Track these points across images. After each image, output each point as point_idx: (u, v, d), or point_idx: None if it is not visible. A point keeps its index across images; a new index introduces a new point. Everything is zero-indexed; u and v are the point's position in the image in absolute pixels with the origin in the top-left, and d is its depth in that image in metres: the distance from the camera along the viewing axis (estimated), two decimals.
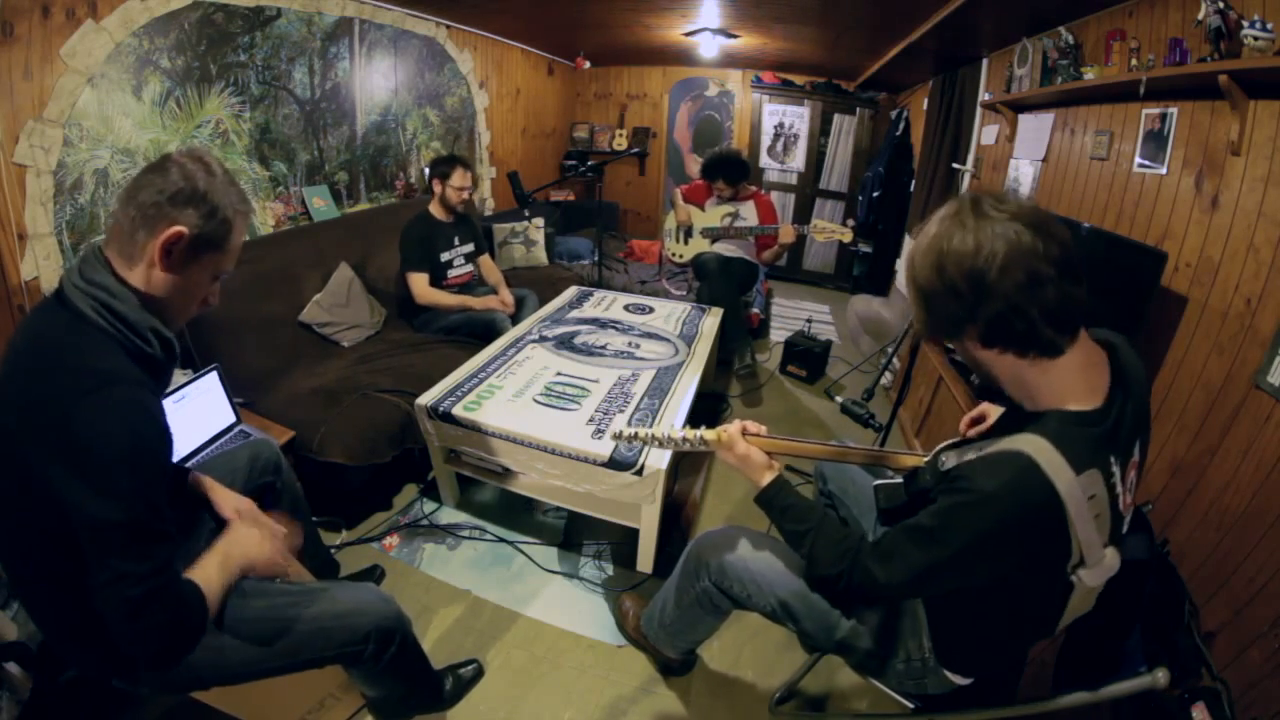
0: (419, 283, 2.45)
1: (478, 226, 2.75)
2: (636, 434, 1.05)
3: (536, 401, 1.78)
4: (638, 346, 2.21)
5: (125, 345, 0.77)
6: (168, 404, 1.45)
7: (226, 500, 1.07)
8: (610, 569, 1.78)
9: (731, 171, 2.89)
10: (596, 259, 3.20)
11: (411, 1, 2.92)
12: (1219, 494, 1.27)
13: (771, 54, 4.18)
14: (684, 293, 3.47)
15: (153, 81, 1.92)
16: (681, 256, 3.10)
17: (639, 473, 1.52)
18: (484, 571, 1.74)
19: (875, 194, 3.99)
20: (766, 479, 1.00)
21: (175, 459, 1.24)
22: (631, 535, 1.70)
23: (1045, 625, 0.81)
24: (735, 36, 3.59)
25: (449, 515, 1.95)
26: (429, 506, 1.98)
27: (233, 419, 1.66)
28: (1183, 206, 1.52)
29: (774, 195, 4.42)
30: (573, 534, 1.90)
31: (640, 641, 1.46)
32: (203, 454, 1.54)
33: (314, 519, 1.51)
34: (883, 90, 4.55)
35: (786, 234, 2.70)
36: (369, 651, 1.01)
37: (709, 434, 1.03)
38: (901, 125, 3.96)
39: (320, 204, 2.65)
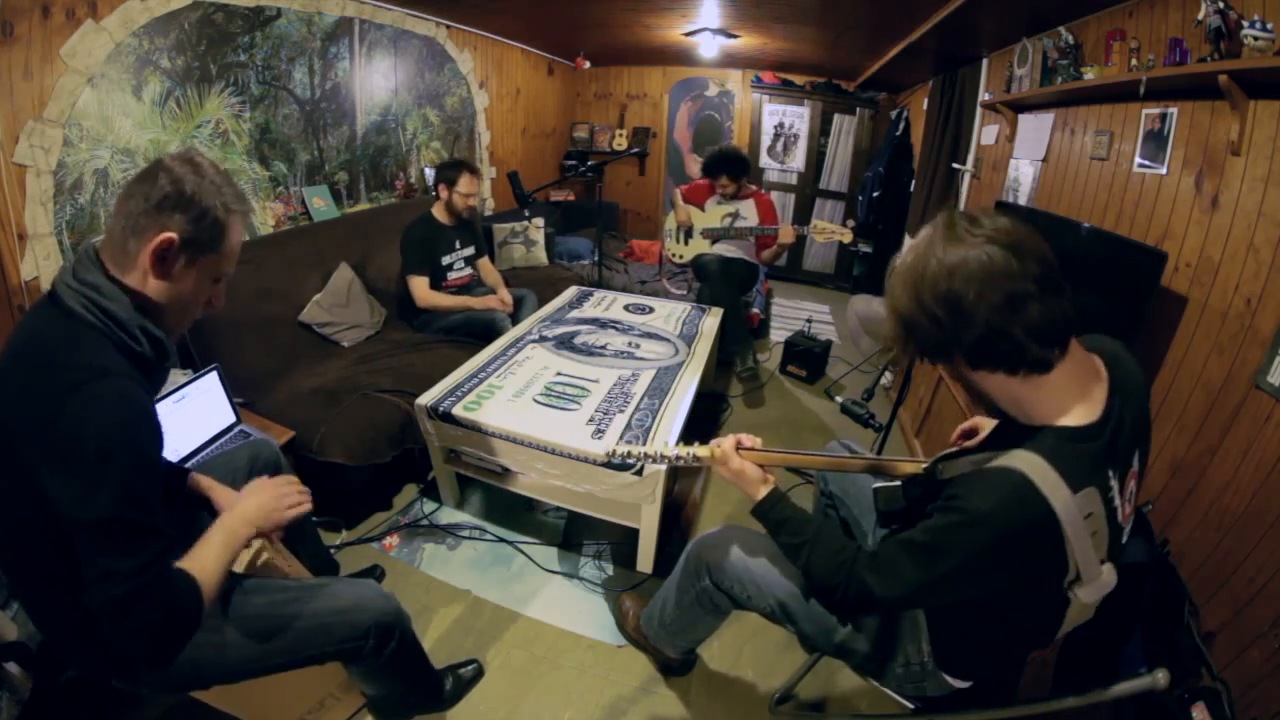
0: (419, 286, 2.45)
1: (479, 229, 2.75)
2: (630, 451, 1.06)
3: (536, 401, 1.78)
4: (638, 346, 2.21)
5: (115, 342, 0.77)
6: (168, 404, 1.46)
7: (226, 500, 1.07)
8: (610, 569, 1.78)
9: (734, 167, 2.89)
10: (596, 259, 3.20)
11: (411, 1, 2.92)
12: (1219, 494, 1.27)
13: (771, 54, 4.18)
14: (684, 293, 3.47)
15: (153, 81, 1.92)
16: (681, 257, 3.10)
17: (639, 473, 1.52)
18: (484, 571, 1.74)
19: (875, 194, 3.99)
20: (762, 493, 1.00)
21: (175, 459, 1.25)
22: (631, 535, 1.70)
23: (1043, 634, 0.81)
24: (735, 36, 3.59)
25: (449, 515, 1.95)
26: (429, 506, 1.98)
27: (233, 419, 1.66)
28: (1183, 206, 1.52)
29: (774, 195, 4.41)
30: (573, 534, 1.90)
31: (640, 641, 1.46)
32: (203, 454, 1.54)
33: (314, 519, 1.51)
34: (883, 90, 4.55)
35: (786, 234, 2.70)
36: (369, 647, 1.01)
37: (702, 450, 1.03)
38: (901, 125, 3.96)
39: (320, 204, 2.65)
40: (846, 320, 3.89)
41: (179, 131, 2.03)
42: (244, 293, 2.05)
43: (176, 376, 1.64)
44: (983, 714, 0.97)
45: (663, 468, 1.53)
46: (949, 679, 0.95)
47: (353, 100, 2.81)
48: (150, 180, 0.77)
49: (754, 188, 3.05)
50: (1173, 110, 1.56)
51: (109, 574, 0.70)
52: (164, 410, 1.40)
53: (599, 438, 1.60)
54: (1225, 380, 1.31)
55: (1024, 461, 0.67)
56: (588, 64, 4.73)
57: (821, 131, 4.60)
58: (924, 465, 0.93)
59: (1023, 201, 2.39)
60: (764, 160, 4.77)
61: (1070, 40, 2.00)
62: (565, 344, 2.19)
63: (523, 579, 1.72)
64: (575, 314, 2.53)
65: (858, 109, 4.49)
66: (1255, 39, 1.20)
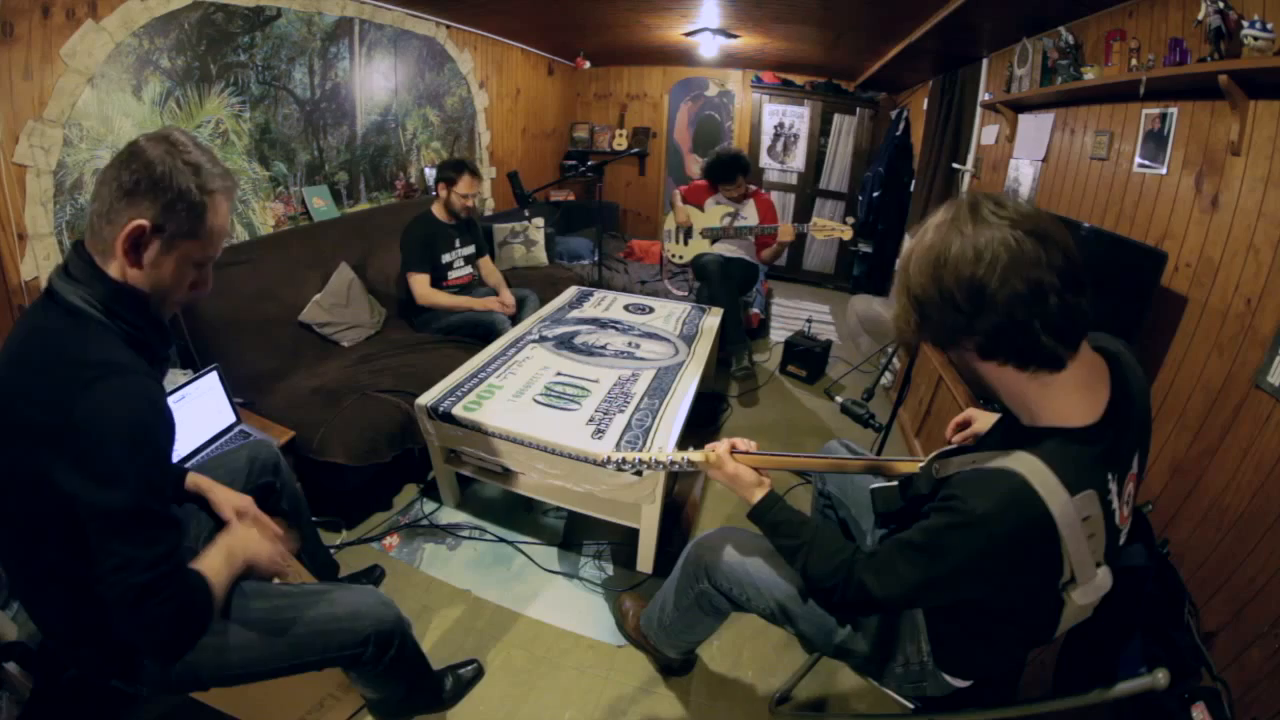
0: (420, 283, 2.45)
1: (479, 229, 2.75)
2: (625, 458, 1.07)
3: (536, 401, 1.78)
4: (638, 346, 2.21)
5: (121, 335, 0.77)
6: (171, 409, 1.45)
7: (226, 499, 1.07)
8: (610, 569, 1.78)
9: (738, 168, 2.89)
10: (596, 259, 3.20)
11: (411, 1, 2.92)
12: (1219, 494, 1.27)
13: (771, 54, 4.18)
14: (684, 293, 3.47)
15: (153, 81, 1.92)
16: (681, 258, 3.10)
17: (638, 473, 1.52)
18: (484, 571, 1.74)
19: (875, 194, 3.99)
20: (757, 496, 1.00)
21: (175, 459, 1.24)
22: (631, 535, 1.70)
23: (1042, 634, 0.81)
24: (735, 36, 3.59)
25: (449, 515, 1.95)
26: (429, 506, 1.98)
27: (233, 419, 1.66)
28: (1183, 206, 1.52)
29: (774, 195, 4.41)
30: (573, 534, 1.89)
31: (640, 641, 1.46)
32: (203, 454, 1.54)
33: (314, 519, 1.51)
34: (883, 90, 4.55)
35: (785, 233, 2.70)
36: (368, 654, 1.01)
37: (696, 455, 1.04)
38: (901, 125, 3.96)
39: (320, 204, 2.65)
40: (846, 320, 3.90)
41: None
42: (244, 293, 2.05)
43: (176, 376, 1.64)
44: (983, 714, 0.97)
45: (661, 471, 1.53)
46: (948, 679, 0.94)
47: (353, 100, 2.81)
48: (124, 165, 0.74)
49: (754, 187, 3.06)
50: (1173, 110, 1.56)
51: (129, 562, 0.71)
52: (165, 395, 1.41)
53: (599, 438, 1.60)
54: (1225, 380, 1.31)
55: (1023, 464, 0.67)
56: (588, 64, 4.73)
57: (821, 131, 4.60)
58: (920, 465, 0.93)
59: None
60: (764, 160, 4.77)
61: (1070, 40, 2.00)
62: (565, 344, 2.19)
63: (523, 579, 1.72)
64: (575, 314, 2.53)
65: (858, 109, 4.49)
66: (1255, 39, 1.20)
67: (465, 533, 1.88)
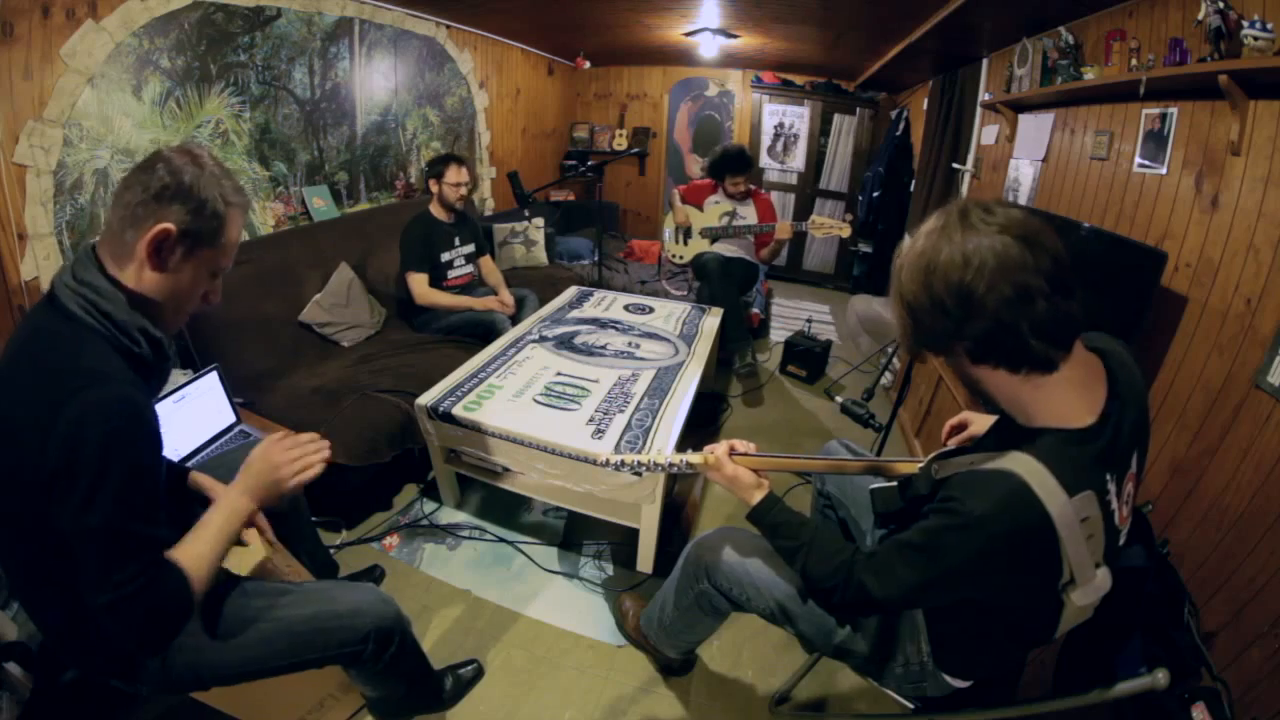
0: (419, 283, 2.45)
1: (478, 227, 2.75)
2: (624, 459, 1.07)
3: (536, 401, 1.78)
4: (638, 346, 2.21)
5: (115, 344, 0.76)
6: (168, 404, 1.46)
7: None
8: (610, 569, 1.77)
9: (742, 165, 2.90)
10: (596, 259, 3.20)
11: (411, 1, 2.92)
12: (1219, 494, 1.27)
13: (771, 54, 4.18)
14: (684, 293, 3.47)
15: (153, 81, 1.92)
16: (681, 258, 3.10)
17: (638, 473, 1.52)
18: (484, 571, 1.74)
19: (875, 194, 3.99)
20: (756, 498, 1.00)
21: (175, 459, 1.25)
22: (631, 535, 1.70)
23: (1042, 634, 0.81)
24: (735, 36, 3.59)
25: (449, 515, 1.95)
26: (429, 506, 1.98)
27: (233, 419, 1.66)
28: (1183, 206, 1.52)
29: (774, 195, 4.42)
30: (573, 534, 1.89)
31: (640, 641, 1.46)
32: (203, 454, 1.54)
33: (314, 519, 1.51)
34: (883, 90, 4.55)
35: (784, 230, 2.71)
36: (368, 652, 1.01)
37: (695, 457, 1.04)
38: (901, 125, 3.96)
39: (320, 204, 2.65)
40: (846, 320, 3.90)
41: (179, 131, 2.03)
42: (244, 293, 2.05)
43: (176, 376, 1.64)
44: (983, 714, 0.97)
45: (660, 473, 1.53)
46: (948, 679, 0.94)
47: (353, 100, 2.81)
48: (149, 171, 0.76)
49: (753, 187, 3.06)
50: (1173, 110, 1.56)
51: (102, 582, 0.71)
52: (164, 410, 1.41)
53: (599, 438, 1.60)
54: (1225, 380, 1.31)
55: (1021, 465, 0.67)
56: (588, 64, 4.73)
57: (821, 131, 4.60)
58: (919, 465, 0.93)
59: (1023, 201, 2.39)
60: (764, 160, 4.77)
61: (1070, 40, 2.00)
62: (565, 344, 2.19)
63: (523, 579, 1.72)
64: (575, 314, 2.53)
65: (858, 109, 4.49)
66: (1255, 39, 1.20)
67: (465, 533, 1.88)
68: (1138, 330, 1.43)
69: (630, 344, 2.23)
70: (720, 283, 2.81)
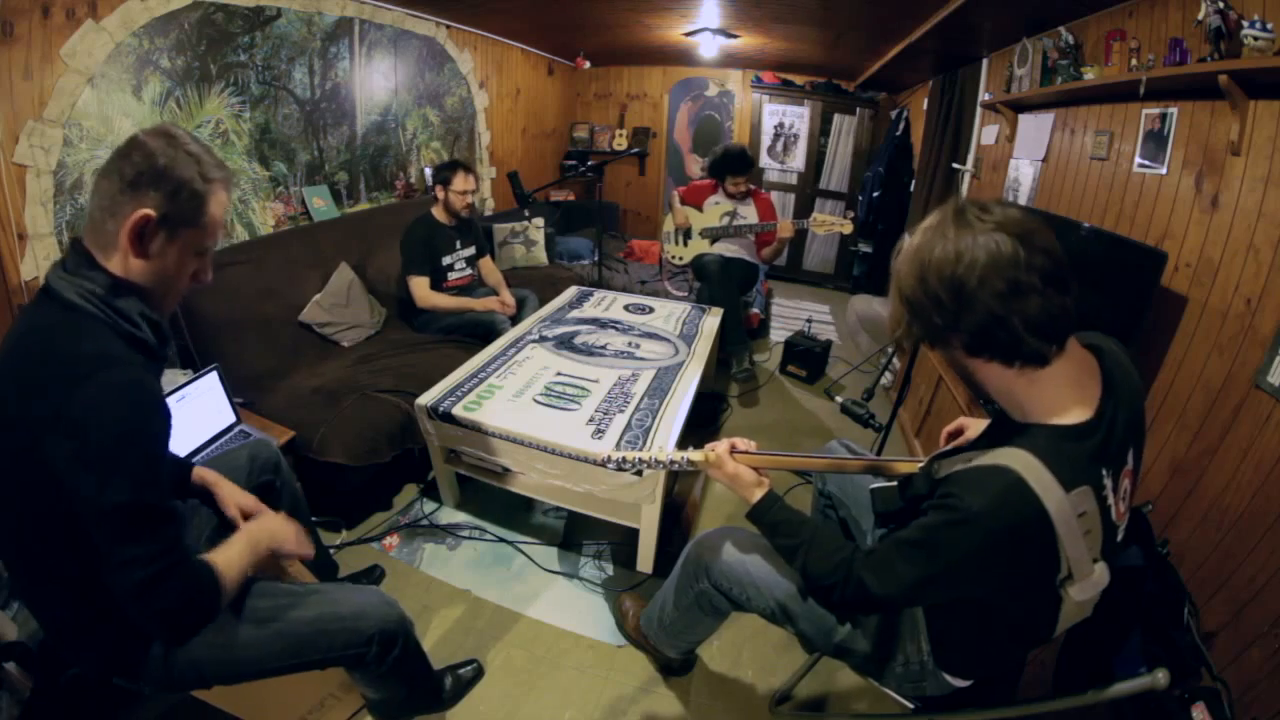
0: (420, 286, 2.45)
1: (479, 229, 2.75)
2: (625, 457, 1.07)
3: (536, 401, 1.78)
4: (638, 346, 2.21)
5: (116, 330, 0.77)
6: (168, 403, 1.45)
7: (231, 496, 1.08)
8: (610, 569, 1.78)
9: (744, 164, 2.90)
10: (596, 259, 3.20)
11: (411, 1, 2.92)
12: (1219, 494, 1.27)
13: (771, 54, 4.18)
14: (684, 293, 3.47)
15: (153, 81, 1.92)
16: (681, 259, 3.10)
17: (639, 473, 1.52)
18: (484, 571, 1.74)
19: (875, 194, 3.99)
20: (756, 496, 1.00)
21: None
22: (631, 535, 1.70)
23: (1041, 632, 0.81)
24: (735, 36, 3.59)
25: (449, 515, 1.95)
26: (429, 506, 1.98)
27: (233, 419, 1.66)
28: (1183, 206, 1.52)
29: (774, 195, 4.41)
30: (573, 534, 1.90)
31: (640, 641, 1.46)
32: (203, 454, 1.54)
33: (314, 519, 1.51)
34: (883, 90, 4.55)
35: (785, 229, 2.70)
36: (372, 654, 1.01)
37: (696, 455, 1.04)
38: (901, 125, 3.96)
39: (320, 204, 2.65)
40: (846, 320, 3.90)
41: None
42: (244, 293, 2.05)
43: (176, 376, 1.64)
44: (983, 714, 0.97)
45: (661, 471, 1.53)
46: (948, 678, 0.95)
47: (353, 100, 2.81)
48: (125, 157, 0.75)
49: (753, 187, 3.06)
50: (1173, 110, 1.56)
51: (132, 559, 0.72)
52: (162, 390, 1.41)
53: (599, 438, 1.60)
54: (1225, 380, 1.31)
55: (1017, 460, 0.68)
56: (588, 64, 4.72)
57: (821, 131, 4.59)
58: (919, 465, 0.93)
59: (1023, 201, 2.39)
60: (764, 160, 4.77)
61: (1070, 40, 2.00)
62: (565, 344, 2.19)
63: (523, 579, 1.72)
64: (575, 314, 2.53)
65: (858, 109, 4.49)
66: (1255, 39, 1.20)
67: (465, 533, 1.88)
68: (1138, 330, 1.43)
69: (630, 344, 2.23)
70: (720, 283, 2.80)
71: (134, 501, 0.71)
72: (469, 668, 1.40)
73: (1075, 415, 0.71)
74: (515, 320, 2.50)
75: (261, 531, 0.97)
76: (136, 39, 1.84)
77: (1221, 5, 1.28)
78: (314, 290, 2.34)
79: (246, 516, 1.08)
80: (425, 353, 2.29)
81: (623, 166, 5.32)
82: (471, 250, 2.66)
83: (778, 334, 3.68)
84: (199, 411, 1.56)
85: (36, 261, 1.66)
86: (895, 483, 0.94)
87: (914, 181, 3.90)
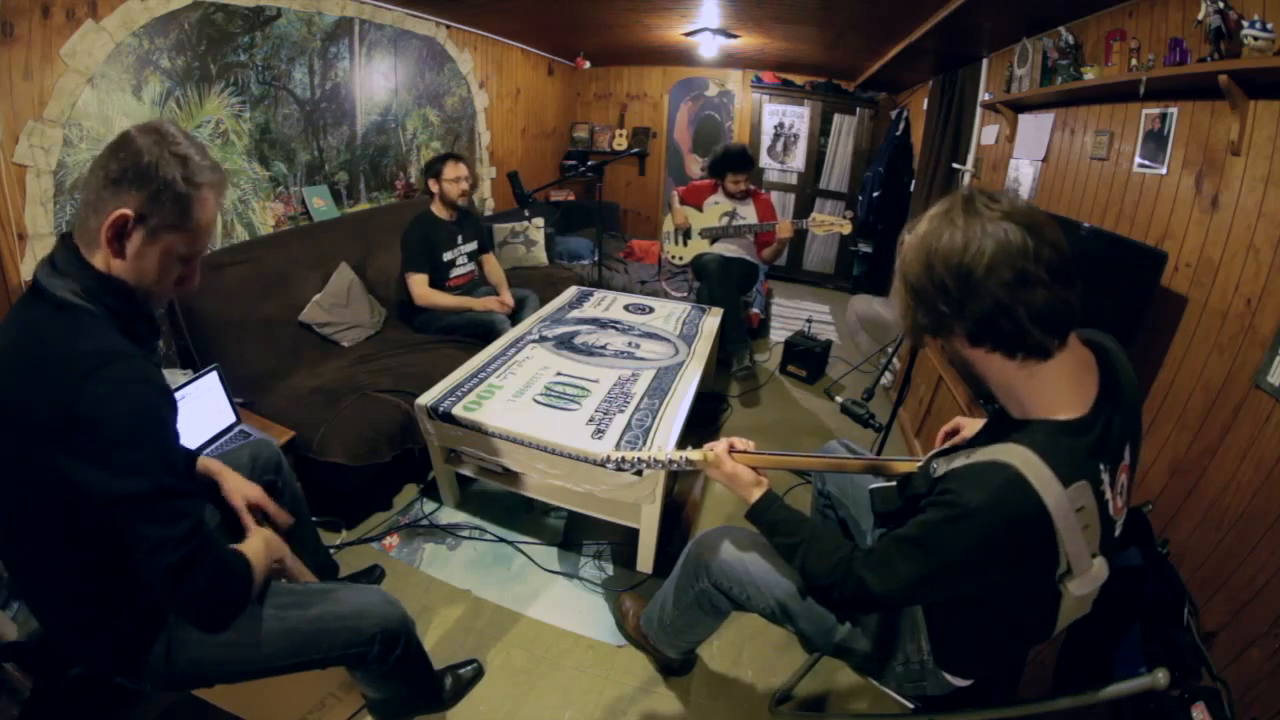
0: (419, 284, 2.45)
1: (481, 225, 2.75)
2: (625, 457, 1.08)
3: (536, 401, 1.78)
4: (638, 346, 2.21)
5: (113, 324, 0.77)
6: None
7: (236, 487, 1.08)
8: (610, 569, 1.78)
9: (744, 163, 2.90)
10: (596, 259, 3.20)
11: (411, 1, 2.92)
12: (1219, 494, 1.27)
13: (771, 54, 4.18)
14: (684, 293, 3.47)
15: (153, 81, 1.91)
16: (681, 259, 3.10)
17: (639, 473, 1.52)
18: (484, 571, 1.74)
19: (875, 194, 3.99)
20: (755, 495, 1.00)
21: None
22: (631, 535, 1.70)
23: (1041, 629, 0.81)
24: (735, 36, 3.59)
25: (449, 515, 1.95)
26: (429, 506, 1.98)
27: (233, 419, 1.66)
28: (1183, 206, 1.52)
29: (774, 195, 4.42)
30: (573, 534, 1.90)
31: (640, 641, 1.46)
32: (203, 454, 1.54)
33: (314, 519, 1.51)
34: (883, 90, 4.55)
35: (784, 229, 2.71)
36: (374, 654, 1.01)
37: (695, 454, 1.04)
38: (901, 125, 3.96)
39: (320, 204, 2.65)
40: (846, 320, 3.90)
41: None
42: (244, 293, 2.05)
43: (176, 376, 1.64)
44: (983, 714, 0.97)
45: (660, 471, 1.53)
46: (949, 677, 0.95)
47: (353, 100, 2.81)
48: (113, 154, 0.74)
49: (753, 187, 3.06)
50: (1173, 110, 1.56)
51: (161, 544, 0.72)
52: (164, 375, 1.41)
53: (599, 438, 1.60)
54: (1225, 380, 1.31)
55: (1015, 455, 0.68)
56: (588, 64, 4.73)
57: (821, 131, 4.60)
58: (918, 465, 0.93)
59: None
60: (764, 160, 4.77)
61: (1070, 40, 2.00)
62: (565, 344, 2.19)
63: (523, 579, 1.72)
64: (575, 314, 2.53)
65: (858, 109, 4.49)
66: (1255, 39, 1.20)
67: (465, 533, 1.88)
68: (1138, 330, 1.43)
69: (630, 344, 2.23)
70: (720, 283, 2.81)
71: (156, 487, 0.71)
72: (469, 668, 1.40)
73: (1073, 409, 0.71)
74: (515, 320, 2.50)
75: (273, 538, 0.99)
76: (136, 39, 1.84)
77: (1221, 5, 1.28)
78: (314, 290, 2.34)
79: (251, 508, 1.08)
80: (425, 353, 2.29)
81: (623, 166, 5.32)
82: (473, 245, 2.66)
83: (778, 334, 3.68)
84: (199, 411, 1.57)
85: (36, 261, 1.66)
86: (894, 482, 0.94)
87: (914, 181, 3.90)
